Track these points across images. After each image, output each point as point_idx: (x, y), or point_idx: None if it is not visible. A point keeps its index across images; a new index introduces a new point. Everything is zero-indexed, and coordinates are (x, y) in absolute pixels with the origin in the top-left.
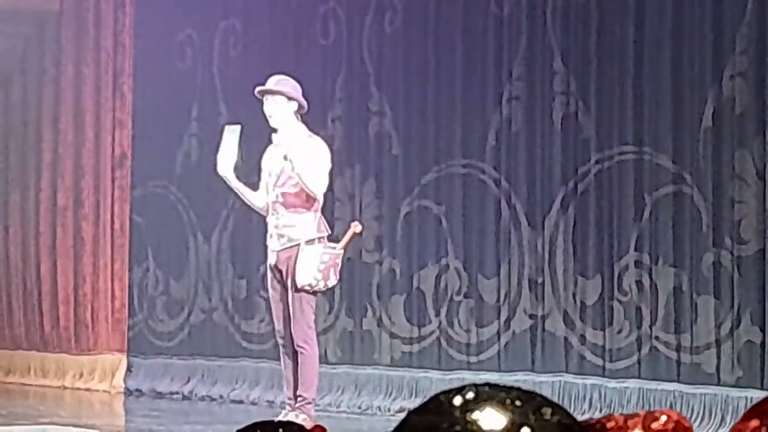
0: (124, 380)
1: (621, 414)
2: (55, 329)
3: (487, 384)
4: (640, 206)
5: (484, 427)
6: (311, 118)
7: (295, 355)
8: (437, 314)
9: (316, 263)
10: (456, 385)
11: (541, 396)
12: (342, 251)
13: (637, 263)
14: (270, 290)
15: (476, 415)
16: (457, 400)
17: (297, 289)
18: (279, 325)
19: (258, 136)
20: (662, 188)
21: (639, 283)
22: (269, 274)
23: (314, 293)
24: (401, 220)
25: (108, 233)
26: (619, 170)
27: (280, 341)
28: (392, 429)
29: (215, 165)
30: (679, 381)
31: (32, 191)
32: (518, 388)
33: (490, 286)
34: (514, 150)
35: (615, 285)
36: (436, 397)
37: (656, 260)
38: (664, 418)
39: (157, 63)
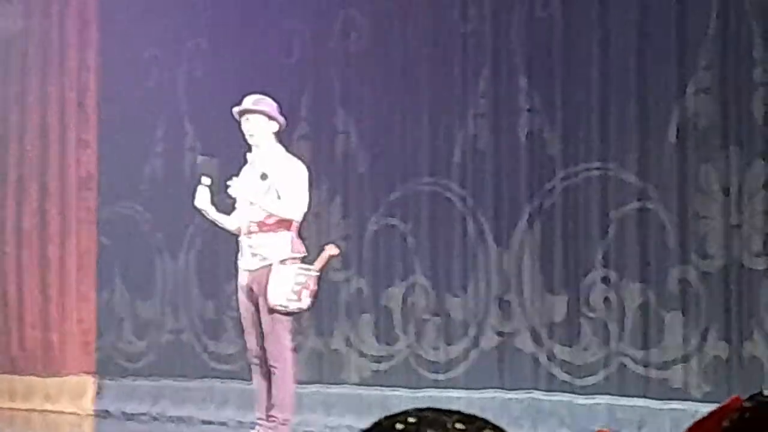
0: (93, 402)
1: None
2: (23, 352)
3: (429, 408)
4: (606, 222)
5: None
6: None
7: (268, 375)
8: (405, 332)
9: (290, 284)
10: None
11: (482, 419)
12: (318, 273)
13: (604, 279)
14: (242, 310)
15: None
16: (399, 426)
17: (269, 310)
18: (251, 344)
19: (227, 157)
20: (628, 204)
21: (606, 299)
22: (240, 294)
23: (287, 314)
24: (368, 238)
25: (74, 255)
26: (585, 186)
27: (253, 360)
28: None
29: (193, 194)
30: (647, 397)
31: None
32: (459, 412)
33: (458, 304)
34: (480, 167)
35: (582, 301)
36: (378, 423)
37: (623, 276)
38: None
39: (123, 82)
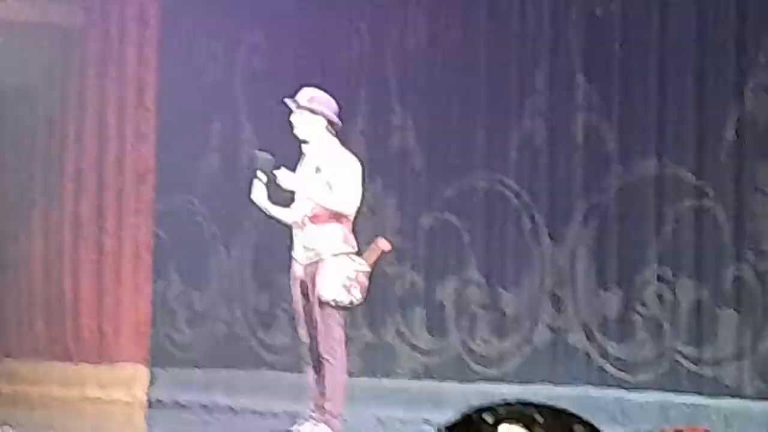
0: (146, 391)
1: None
2: (78, 340)
3: (517, 401)
4: (662, 220)
5: None
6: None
7: (319, 367)
8: (458, 327)
9: (342, 278)
10: (476, 397)
11: (571, 413)
12: (369, 269)
13: (659, 277)
14: (294, 302)
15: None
16: (489, 417)
17: (321, 303)
18: (303, 337)
19: (284, 151)
20: (684, 202)
21: (660, 296)
22: (294, 287)
23: (339, 308)
24: (422, 233)
25: (130, 246)
26: (641, 184)
27: (305, 352)
28: None
29: (249, 190)
30: (700, 394)
31: (56, 204)
32: (548, 405)
33: (512, 299)
34: (536, 164)
35: (636, 298)
36: (467, 414)
37: (677, 274)
38: None
39: (181, 77)
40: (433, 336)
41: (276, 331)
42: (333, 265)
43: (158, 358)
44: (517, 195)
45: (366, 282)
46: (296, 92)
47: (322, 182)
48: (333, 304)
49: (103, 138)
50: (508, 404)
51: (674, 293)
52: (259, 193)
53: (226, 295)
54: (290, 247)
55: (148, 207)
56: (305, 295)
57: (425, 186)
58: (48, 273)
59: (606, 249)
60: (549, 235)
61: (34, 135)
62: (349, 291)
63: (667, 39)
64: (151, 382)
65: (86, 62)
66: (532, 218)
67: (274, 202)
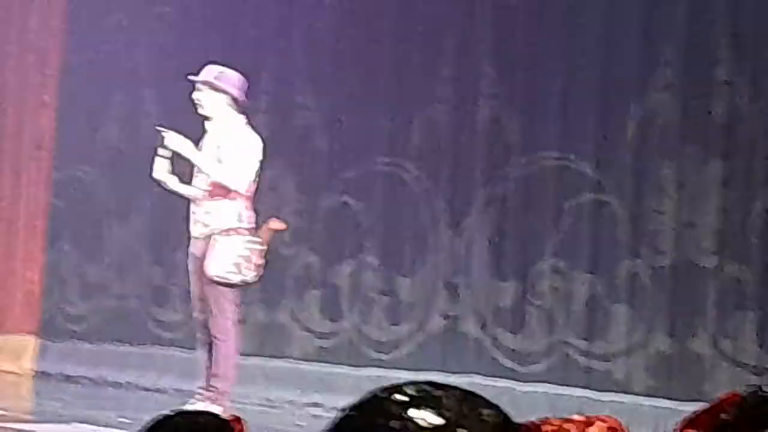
0: (34, 362)
1: (556, 418)
2: None
3: (428, 382)
4: (560, 212)
5: (423, 425)
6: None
7: (210, 345)
8: (352, 311)
9: (232, 255)
10: (368, 382)
11: (480, 396)
12: (262, 246)
13: (554, 269)
14: (191, 278)
15: (415, 413)
16: (397, 398)
17: (211, 281)
18: (195, 313)
19: (189, 125)
20: (583, 195)
21: (554, 288)
22: (189, 262)
23: (230, 286)
24: (321, 214)
25: (23, 214)
26: (541, 175)
27: (198, 330)
28: (329, 426)
29: (148, 161)
30: (589, 388)
31: None
32: (457, 387)
33: (407, 285)
34: (438, 150)
35: (530, 289)
36: (374, 395)
37: (573, 267)
38: (600, 423)
39: (85, 45)
40: (327, 319)
41: (169, 307)
42: (224, 243)
43: (48, 330)
44: (418, 180)
45: (260, 261)
46: (201, 68)
47: (216, 156)
48: (221, 281)
49: (2, 104)
50: (415, 385)
51: (568, 286)
52: (160, 169)
53: (120, 268)
54: (187, 222)
55: (45, 176)
56: (198, 270)
57: (326, 167)
58: None
59: (504, 239)
60: (447, 222)
61: None
62: (239, 269)
63: (574, 32)
64: (40, 354)
65: None
66: (432, 205)
67: (179, 179)
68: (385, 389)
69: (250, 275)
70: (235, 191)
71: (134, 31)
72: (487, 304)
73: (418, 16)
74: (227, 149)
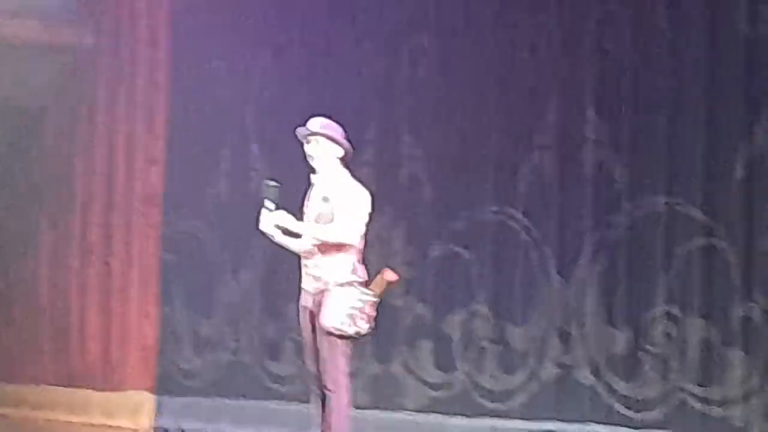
0: (151, 419)
1: None
2: (83, 365)
3: None
4: (671, 257)
5: None
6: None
7: (324, 398)
8: (465, 360)
9: (345, 307)
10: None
11: None
12: (377, 299)
13: (667, 315)
14: (303, 332)
15: None
16: None
17: (325, 333)
18: (310, 367)
19: (293, 177)
20: (693, 240)
21: (668, 334)
22: (301, 316)
23: (343, 338)
24: (431, 265)
25: (137, 270)
26: (650, 221)
27: (311, 383)
28: None
29: (257, 215)
30: None
31: (63, 226)
32: None
33: (519, 334)
34: (545, 197)
35: (643, 336)
36: None
37: (685, 312)
38: None
39: (191, 101)
40: (439, 369)
41: (283, 360)
42: (338, 295)
43: (164, 386)
44: (526, 229)
45: (373, 313)
46: (305, 120)
47: (329, 211)
48: (336, 333)
49: (113, 161)
50: None
51: (682, 332)
52: (267, 222)
53: (233, 322)
54: (299, 275)
55: (156, 231)
56: (311, 324)
57: (434, 217)
58: (54, 297)
59: (614, 285)
60: (557, 270)
61: (43, 156)
62: (354, 321)
63: (677, 75)
64: (157, 410)
65: (96, 84)
66: (541, 253)
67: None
68: None
69: (364, 327)
70: (348, 245)
71: (239, 85)
72: (601, 351)
73: (521, 64)
74: (339, 204)
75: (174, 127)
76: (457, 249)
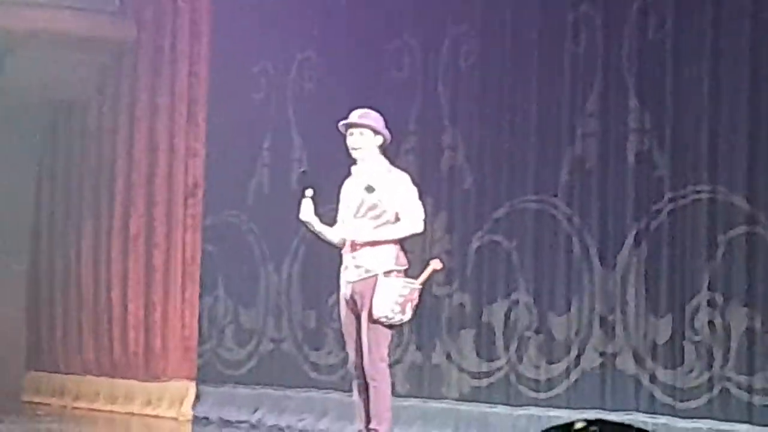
0: (193, 408)
1: None
2: (125, 355)
3: (599, 420)
4: (714, 245)
5: None
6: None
7: (366, 387)
8: (507, 349)
9: (395, 296)
10: (524, 421)
11: None
12: (421, 287)
13: (710, 303)
14: (343, 321)
15: None
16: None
17: (372, 321)
18: (352, 356)
19: (333, 168)
20: (736, 228)
21: (711, 323)
22: (342, 306)
23: (389, 326)
24: (472, 254)
25: (179, 261)
26: (693, 209)
27: (353, 372)
28: None
29: (298, 206)
30: (751, 423)
31: (105, 218)
32: (630, 425)
33: (561, 323)
34: (587, 187)
35: (687, 324)
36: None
37: (729, 300)
38: None
39: (232, 93)
40: (482, 359)
41: (324, 349)
42: (386, 284)
43: (206, 375)
44: (568, 217)
45: (416, 300)
46: (347, 110)
47: (375, 198)
48: (385, 321)
49: (154, 152)
50: (588, 422)
51: (725, 320)
52: (306, 211)
53: (274, 312)
54: (339, 265)
55: (197, 222)
56: (354, 314)
57: (476, 206)
58: (97, 288)
59: (657, 274)
60: (599, 258)
61: (84, 148)
62: (402, 309)
63: (720, 61)
64: (198, 399)
65: (138, 76)
66: (583, 242)
67: (323, 221)
68: (557, 427)
69: (409, 315)
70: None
71: (279, 77)
72: (644, 339)
73: (562, 53)
74: (391, 197)
75: (215, 120)
76: (499, 238)
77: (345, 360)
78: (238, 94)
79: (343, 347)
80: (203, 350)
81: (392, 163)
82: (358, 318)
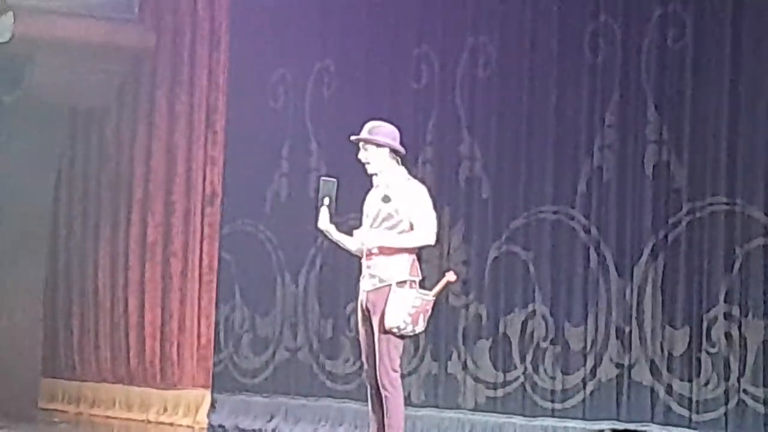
0: (208, 416)
1: None
2: (141, 363)
3: (626, 431)
4: (731, 258)
5: None
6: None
7: (380, 397)
8: (522, 360)
9: (407, 307)
10: None
11: None
12: (434, 299)
13: (727, 315)
14: (359, 330)
15: None
16: None
17: (384, 331)
18: (366, 366)
19: (350, 177)
20: (754, 240)
21: (728, 335)
22: (359, 314)
23: (401, 337)
24: (489, 264)
25: (196, 269)
26: (711, 221)
27: (367, 381)
28: None
29: (316, 215)
30: None
31: (123, 226)
32: None
33: (577, 334)
34: (605, 198)
35: (703, 336)
36: None
37: (746, 313)
38: None
39: (251, 102)
40: (498, 369)
41: (340, 358)
42: (399, 295)
43: (221, 384)
44: (585, 228)
45: (429, 311)
46: (364, 119)
47: (393, 210)
48: (396, 332)
49: (172, 160)
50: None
51: (742, 332)
52: (324, 220)
53: (290, 321)
54: (356, 275)
55: (215, 230)
56: (368, 321)
57: (493, 217)
58: (113, 295)
59: (674, 285)
60: (616, 269)
61: (103, 156)
62: (414, 321)
63: (740, 73)
64: (213, 408)
65: (156, 84)
66: (600, 253)
67: (340, 230)
68: None
69: (422, 326)
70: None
71: (298, 86)
72: (660, 351)
73: (581, 64)
74: (405, 207)
75: (233, 128)
76: (516, 249)
77: (361, 369)
78: (257, 103)
79: (359, 356)
80: (219, 358)
81: (410, 173)
82: (371, 326)
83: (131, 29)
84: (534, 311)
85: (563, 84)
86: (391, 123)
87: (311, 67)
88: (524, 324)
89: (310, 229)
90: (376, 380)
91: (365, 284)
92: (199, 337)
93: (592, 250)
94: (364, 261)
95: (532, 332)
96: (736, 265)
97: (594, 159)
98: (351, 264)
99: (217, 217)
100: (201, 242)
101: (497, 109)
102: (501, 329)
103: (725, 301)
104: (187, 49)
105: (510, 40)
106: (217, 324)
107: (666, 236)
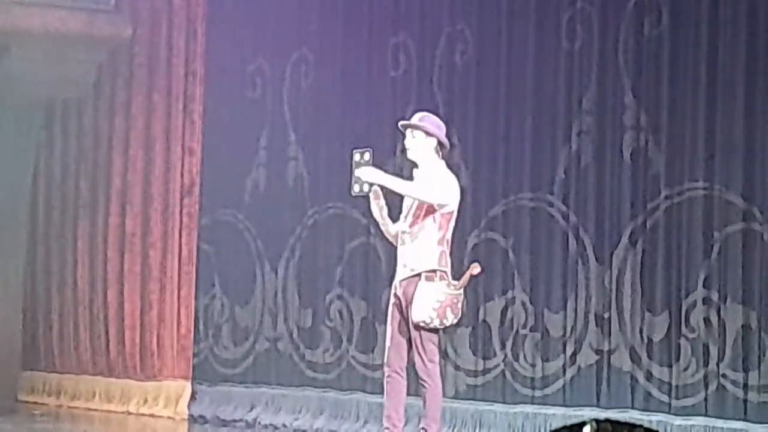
0: (188, 407)
1: None
2: (121, 355)
3: (608, 420)
4: (710, 243)
5: None
6: (379, 149)
7: (394, 384)
8: (503, 347)
9: (432, 302)
10: (520, 419)
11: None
12: (460, 292)
13: (706, 300)
14: (390, 318)
15: None
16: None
17: (414, 325)
18: (390, 353)
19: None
20: (732, 225)
21: (707, 320)
22: (391, 299)
23: (433, 330)
24: (468, 252)
25: (175, 260)
26: (689, 206)
27: (386, 370)
28: None
29: (349, 187)
30: (746, 419)
31: (101, 217)
32: (640, 426)
33: (557, 320)
34: (583, 184)
35: (682, 321)
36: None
37: (725, 298)
38: None
39: (228, 91)
40: (478, 357)
41: (320, 348)
42: (426, 289)
43: (202, 375)
44: (564, 215)
45: (458, 304)
46: (342, 109)
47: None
48: (423, 325)
49: (150, 151)
50: (597, 422)
51: (721, 317)
52: (375, 174)
53: (270, 311)
54: (336, 264)
55: (194, 221)
56: (398, 309)
57: (471, 204)
58: (92, 287)
59: (652, 271)
60: (595, 255)
61: (80, 147)
62: (441, 315)
63: (716, 59)
64: (194, 398)
65: (133, 74)
66: (579, 239)
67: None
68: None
69: (450, 318)
70: (438, 231)
71: (275, 75)
72: (639, 337)
73: (558, 50)
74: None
75: (211, 118)
76: (495, 236)
77: (340, 358)
78: (234, 93)
79: (339, 345)
80: (199, 349)
81: (387, 161)
82: (403, 316)
83: (108, 19)
84: (513, 298)
85: (541, 71)
86: (369, 111)
87: (289, 57)
88: (504, 311)
89: (288, 219)
90: (398, 366)
91: (400, 273)
92: (178, 327)
93: (570, 237)
94: (400, 249)
95: (512, 319)
96: (715, 250)
97: (572, 145)
98: (329, 253)
99: (196, 207)
100: (180, 233)
101: (475, 97)
102: (481, 317)
103: (704, 287)
104: (164, 39)
105: (487, 27)
106: (196, 314)
107: (644, 222)
